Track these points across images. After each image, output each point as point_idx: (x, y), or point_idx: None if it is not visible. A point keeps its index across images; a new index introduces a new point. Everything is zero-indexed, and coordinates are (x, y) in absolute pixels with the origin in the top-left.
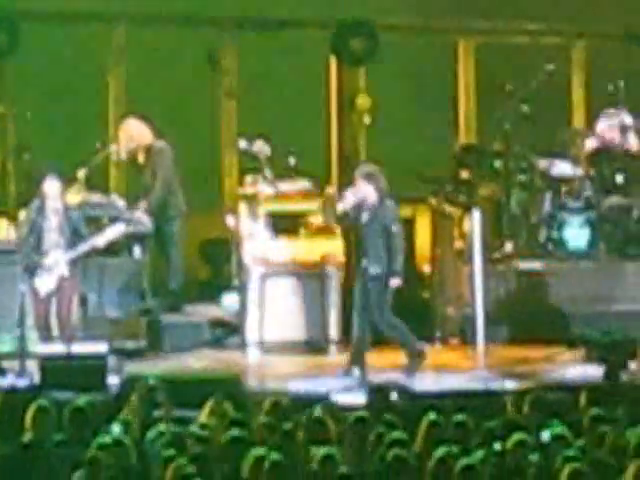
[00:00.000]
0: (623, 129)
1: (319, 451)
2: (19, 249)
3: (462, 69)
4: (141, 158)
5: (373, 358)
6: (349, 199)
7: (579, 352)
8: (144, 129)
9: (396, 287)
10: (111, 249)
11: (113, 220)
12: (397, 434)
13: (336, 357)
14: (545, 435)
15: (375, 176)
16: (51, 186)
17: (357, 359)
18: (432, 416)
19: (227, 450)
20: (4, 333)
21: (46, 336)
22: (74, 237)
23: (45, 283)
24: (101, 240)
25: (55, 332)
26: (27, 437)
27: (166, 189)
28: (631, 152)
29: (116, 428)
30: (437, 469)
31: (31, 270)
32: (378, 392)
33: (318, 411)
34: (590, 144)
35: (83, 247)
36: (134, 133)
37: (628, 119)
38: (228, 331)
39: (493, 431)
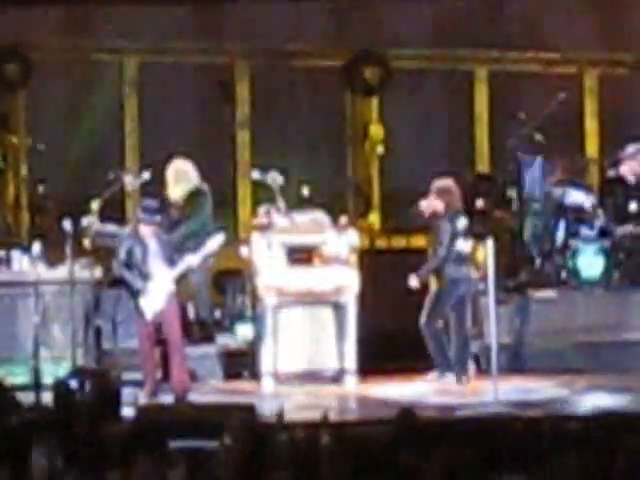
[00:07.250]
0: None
1: None
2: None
3: (475, 98)
4: (183, 199)
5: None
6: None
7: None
8: (194, 171)
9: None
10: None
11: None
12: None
13: (353, 387)
14: None
15: (447, 191)
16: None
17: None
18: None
19: None
20: (19, 365)
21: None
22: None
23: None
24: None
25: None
26: None
27: (197, 232)
28: None
29: None
30: None
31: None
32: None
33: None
34: (613, 173)
35: (182, 265)
36: (190, 175)
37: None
38: (242, 362)
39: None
